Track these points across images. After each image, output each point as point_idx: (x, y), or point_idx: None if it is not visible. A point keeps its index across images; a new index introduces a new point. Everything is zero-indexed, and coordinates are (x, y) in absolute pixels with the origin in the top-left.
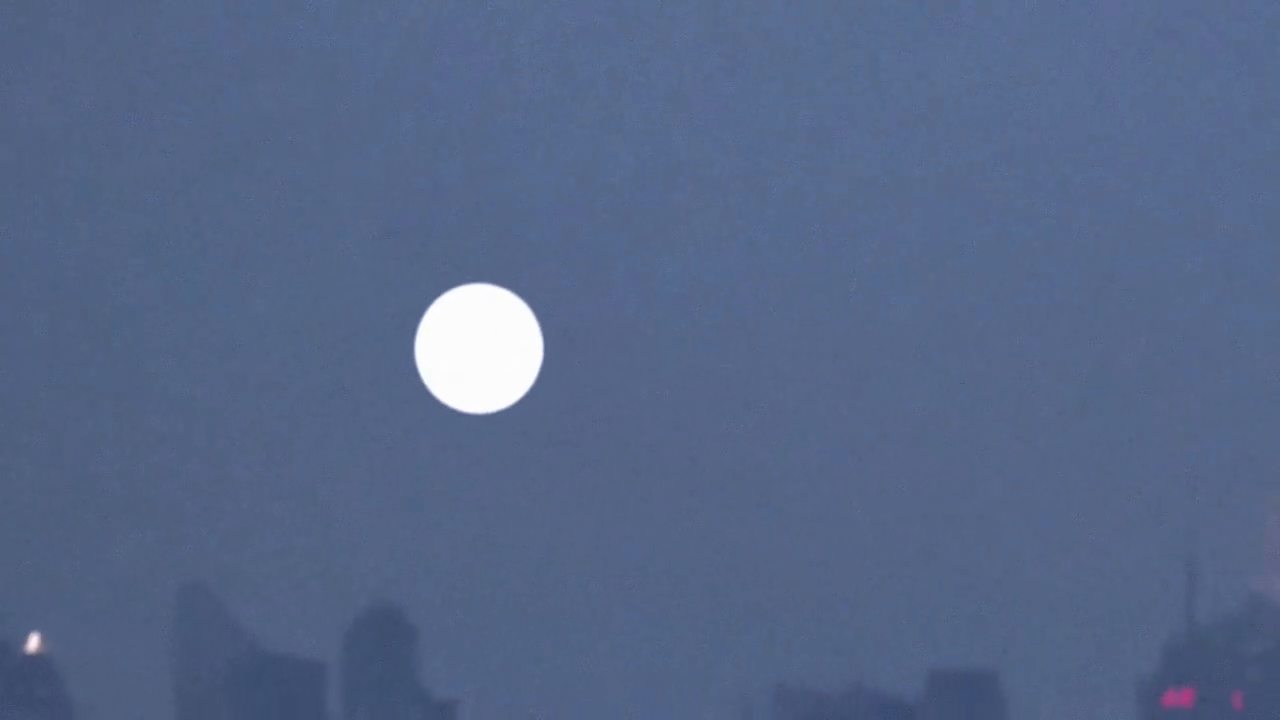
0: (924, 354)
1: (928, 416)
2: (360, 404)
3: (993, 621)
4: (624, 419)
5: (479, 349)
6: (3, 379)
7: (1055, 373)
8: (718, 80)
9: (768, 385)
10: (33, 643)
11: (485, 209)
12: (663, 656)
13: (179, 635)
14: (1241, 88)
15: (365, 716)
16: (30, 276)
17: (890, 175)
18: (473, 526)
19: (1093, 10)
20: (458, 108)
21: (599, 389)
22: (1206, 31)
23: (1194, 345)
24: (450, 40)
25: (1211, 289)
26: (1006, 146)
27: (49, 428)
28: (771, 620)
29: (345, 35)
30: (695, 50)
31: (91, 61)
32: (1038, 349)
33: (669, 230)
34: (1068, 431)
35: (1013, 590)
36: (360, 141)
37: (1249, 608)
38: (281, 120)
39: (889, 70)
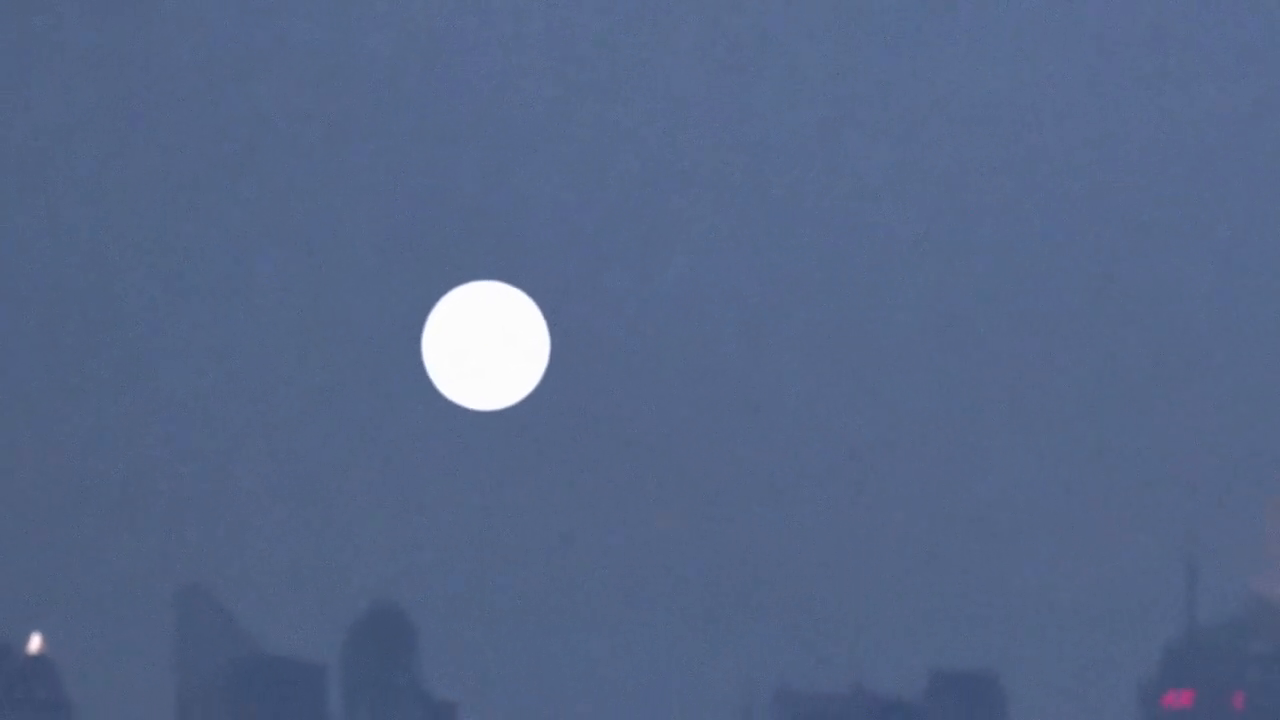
0: (924, 356)
1: (928, 418)
2: (366, 401)
3: (993, 622)
4: (629, 417)
5: (486, 346)
6: (3, 379)
7: (1056, 374)
8: (723, 81)
9: (772, 385)
10: (33, 644)
11: (492, 206)
12: (663, 657)
13: (179, 636)
14: (1241, 88)
15: (365, 718)
16: (30, 276)
17: (893, 176)
18: (476, 525)
19: (1093, 11)
20: (464, 106)
21: (605, 386)
22: (1207, 31)
23: (1195, 347)
24: (456, 40)
25: (1212, 290)
26: (1009, 148)
27: (49, 428)
28: (771, 620)
29: (347, 35)
30: (700, 51)
31: (92, 62)
32: (1038, 351)
33: (675, 228)
34: (1068, 433)
35: (1013, 591)
36: (366, 139)
37: (1249, 609)
38: (284, 120)
39: (891, 72)
